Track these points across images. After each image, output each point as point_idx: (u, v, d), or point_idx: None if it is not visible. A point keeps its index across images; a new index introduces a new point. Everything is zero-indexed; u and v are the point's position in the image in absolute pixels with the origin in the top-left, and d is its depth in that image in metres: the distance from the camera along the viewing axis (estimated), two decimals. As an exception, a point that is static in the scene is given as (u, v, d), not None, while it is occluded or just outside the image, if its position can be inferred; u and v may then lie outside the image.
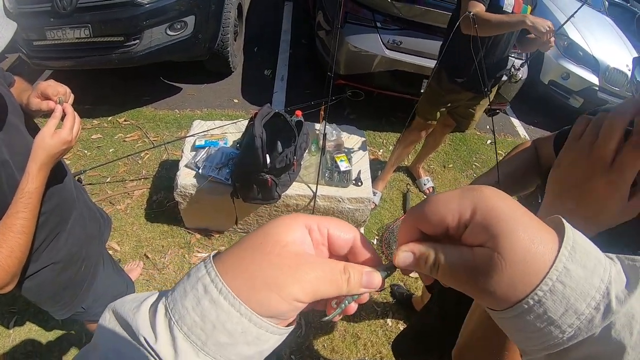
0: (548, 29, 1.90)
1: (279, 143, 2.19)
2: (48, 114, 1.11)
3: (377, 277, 0.37)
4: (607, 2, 5.78)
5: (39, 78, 3.97)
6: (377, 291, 0.37)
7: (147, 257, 2.58)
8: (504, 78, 2.50)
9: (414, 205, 0.41)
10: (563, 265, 0.32)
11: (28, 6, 3.16)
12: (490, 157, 3.88)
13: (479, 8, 2.04)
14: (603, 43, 4.59)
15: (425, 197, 3.31)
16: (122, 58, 3.21)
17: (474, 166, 3.77)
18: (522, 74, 2.76)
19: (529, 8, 2.23)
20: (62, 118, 1.10)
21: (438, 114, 2.57)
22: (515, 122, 4.64)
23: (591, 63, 4.37)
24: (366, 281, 0.36)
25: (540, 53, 4.41)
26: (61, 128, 1.07)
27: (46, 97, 1.12)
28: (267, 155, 2.10)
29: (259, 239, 0.35)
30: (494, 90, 2.58)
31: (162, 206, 2.87)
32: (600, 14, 5.36)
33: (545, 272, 0.32)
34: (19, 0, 3.19)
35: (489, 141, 4.12)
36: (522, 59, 3.62)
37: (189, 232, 2.73)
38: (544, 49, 2.12)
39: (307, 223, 0.37)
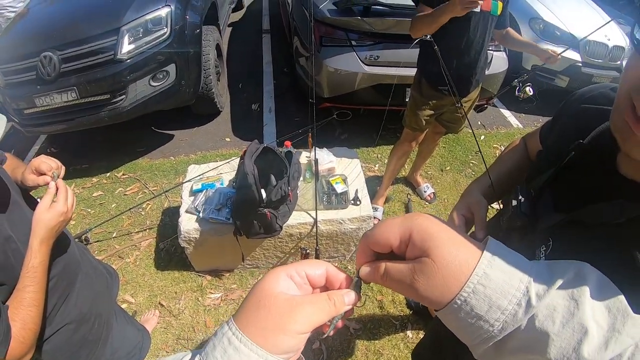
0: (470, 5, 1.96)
1: (272, 176, 2.22)
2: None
3: (354, 295, 0.47)
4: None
5: (34, 143, 4.08)
6: (357, 305, 0.49)
7: (162, 305, 2.59)
8: (518, 93, 2.80)
9: (369, 229, 0.49)
10: (483, 271, 0.41)
11: (14, 77, 3.28)
12: (487, 152, 3.89)
13: (426, 11, 2.19)
14: (577, 18, 4.59)
15: (427, 204, 3.33)
16: (112, 115, 3.28)
17: (471, 164, 3.77)
18: (530, 89, 2.87)
19: (500, 4, 2.22)
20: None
21: (424, 122, 2.59)
22: (506, 113, 4.66)
23: (569, 40, 4.33)
24: (348, 300, 0.46)
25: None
26: (55, 201, 1.14)
27: (41, 173, 1.22)
28: (262, 190, 2.13)
29: (257, 297, 0.43)
30: (478, 88, 2.60)
31: (170, 253, 2.90)
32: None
33: (468, 277, 0.41)
34: (5, 73, 3.30)
35: (482, 137, 4.14)
36: (501, 50, 3.66)
37: (200, 275, 2.75)
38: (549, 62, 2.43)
39: (287, 272, 0.46)
